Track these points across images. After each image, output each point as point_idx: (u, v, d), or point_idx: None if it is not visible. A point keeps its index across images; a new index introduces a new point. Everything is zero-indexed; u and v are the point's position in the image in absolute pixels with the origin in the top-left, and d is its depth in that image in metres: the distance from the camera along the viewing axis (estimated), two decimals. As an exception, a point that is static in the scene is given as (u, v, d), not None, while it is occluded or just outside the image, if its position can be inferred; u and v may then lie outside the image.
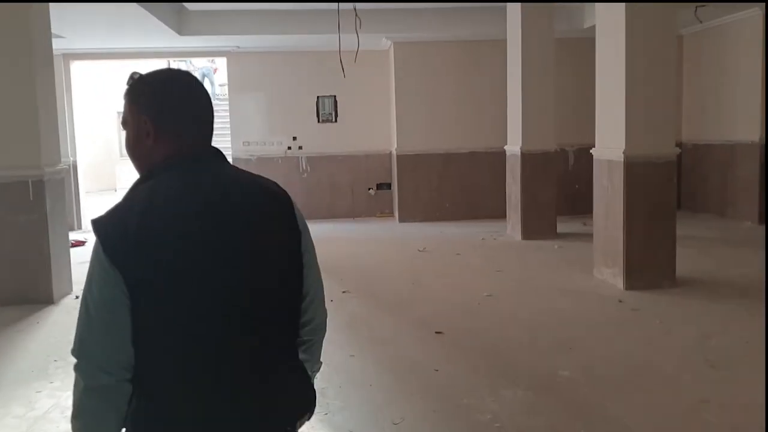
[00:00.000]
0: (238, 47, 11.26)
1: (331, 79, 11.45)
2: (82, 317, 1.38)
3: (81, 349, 1.38)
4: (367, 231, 10.39)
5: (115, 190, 16.22)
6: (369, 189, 11.86)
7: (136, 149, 1.51)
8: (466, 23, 10.23)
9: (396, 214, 11.40)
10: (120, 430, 1.42)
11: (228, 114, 12.02)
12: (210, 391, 1.41)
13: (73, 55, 10.98)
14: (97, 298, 1.35)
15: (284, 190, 1.58)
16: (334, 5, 9.30)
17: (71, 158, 10.88)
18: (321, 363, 1.74)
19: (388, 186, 11.83)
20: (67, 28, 8.96)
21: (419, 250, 8.49)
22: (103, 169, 17.57)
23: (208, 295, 1.38)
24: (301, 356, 1.62)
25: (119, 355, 1.37)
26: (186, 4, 9.55)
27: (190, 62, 20.10)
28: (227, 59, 11.61)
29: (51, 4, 6.55)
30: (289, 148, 11.83)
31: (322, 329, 1.67)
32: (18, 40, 6.05)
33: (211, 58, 17.56)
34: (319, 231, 10.43)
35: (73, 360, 1.40)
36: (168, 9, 9.13)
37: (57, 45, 8.94)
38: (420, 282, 6.83)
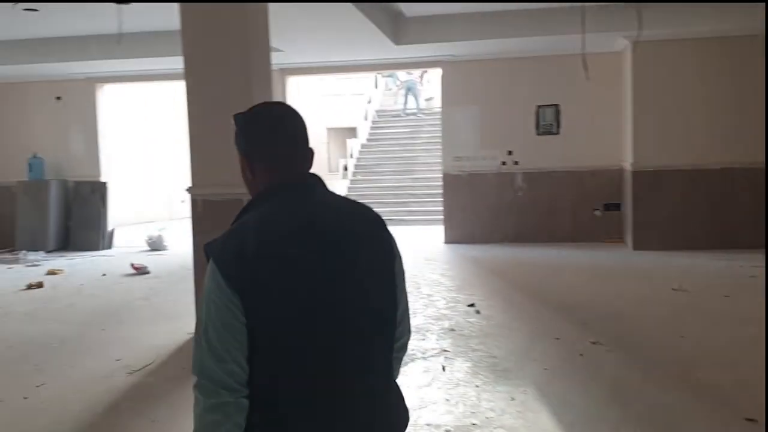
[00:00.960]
0: (454, 56, 10.48)
1: (553, 86, 10.31)
2: (201, 338, 1.45)
3: (201, 368, 1.45)
4: (596, 260, 9.06)
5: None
6: (595, 210, 10.48)
7: (245, 183, 1.66)
8: (725, 16, 8.58)
9: (629, 240, 9.91)
10: None
11: (439, 128, 11.30)
12: (323, 410, 1.49)
13: (290, 70, 10.87)
14: (215, 318, 1.44)
15: (379, 215, 1.66)
16: (562, 3, 8.21)
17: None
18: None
19: (618, 207, 10.37)
20: (286, 42, 8.72)
21: (674, 289, 7.05)
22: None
23: (318, 316, 1.47)
24: None
25: (237, 373, 1.44)
26: (404, 11, 8.93)
27: (395, 76, 19.89)
28: (442, 69, 10.87)
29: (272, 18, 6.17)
30: (504, 163, 10.82)
31: (405, 348, 1.76)
32: (237, 52, 5.68)
33: (412, 71, 17.11)
34: (537, 257, 9.31)
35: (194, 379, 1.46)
36: (385, 17, 8.57)
37: (275, 59, 8.72)
38: (690, 335, 5.47)
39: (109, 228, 11.68)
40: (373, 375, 1.57)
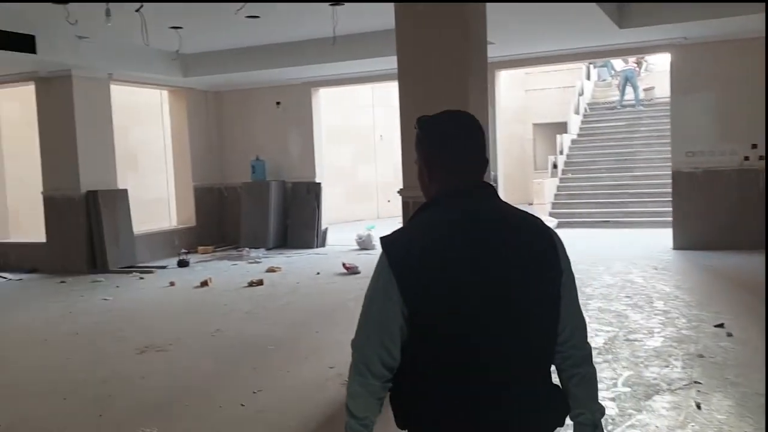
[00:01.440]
0: (685, 38, 9.31)
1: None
2: (363, 317, 1.60)
3: (357, 348, 1.61)
4: None
5: (530, 204, 15.52)
6: None
7: (420, 185, 1.74)
8: None
9: None
10: (380, 411, 1.63)
11: (661, 120, 10.12)
12: (469, 415, 1.54)
13: (499, 63, 10.37)
14: (377, 308, 1.57)
15: (548, 228, 1.67)
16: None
17: (492, 172, 10.27)
18: (603, 407, 1.73)
19: None
20: (498, 34, 8.23)
21: None
22: (517, 182, 17.10)
23: (476, 319, 1.53)
24: (574, 390, 1.68)
25: (386, 361, 1.57)
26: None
27: (610, 65, 18.54)
28: (671, 54, 9.73)
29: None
30: (746, 158, 9.42)
31: (586, 363, 1.70)
32: (454, 51, 5.32)
33: (628, 59, 15.74)
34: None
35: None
36: (610, -2, 7.75)
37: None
38: None
39: (323, 227, 12.02)
40: (520, 382, 1.59)
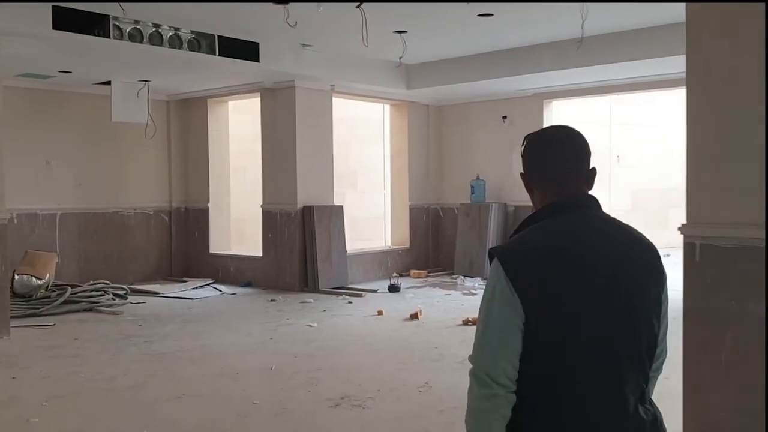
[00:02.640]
0: None
1: None
2: (480, 331, 1.61)
3: (477, 359, 1.61)
4: None
5: None
6: None
7: (530, 199, 1.78)
8: None
9: None
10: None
11: None
12: (588, 416, 1.58)
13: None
14: (496, 317, 1.57)
15: (651, 243, 1.70)
16: None
17: None
18: None
19: None
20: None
21: None
22: None
23: (592, 331, 1.56)
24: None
25: (509, 370, 1.57)
26: None
27: None
28: None
29: None
30: None
31: (661, 368, 1.77)
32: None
33: None
34: None
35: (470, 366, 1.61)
36: None
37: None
38: None
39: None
40: (634, 396, 1.61)
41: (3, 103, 9.32)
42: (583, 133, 1.76)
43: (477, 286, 10.05)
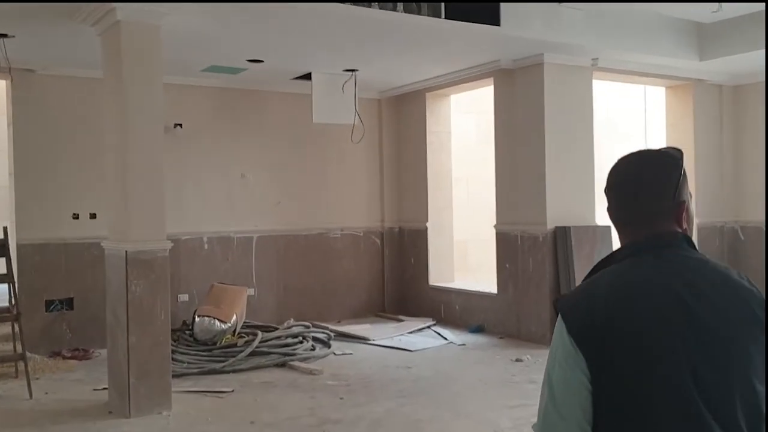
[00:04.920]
0: None
1: None
2: (545, 394, 1.42)
3: (543, 422, 1.41)
4: None
5: None
6: None
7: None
8: None
9: None
10: None
11: None
12: None
13: None
14: (560, 377, 1.39)
15: (752, 286, 1.44)
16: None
17: None
18: None
19: None
20: None
21: None
22: None
23: (669, 397, 1.34)
24: None
25: None
26: None
27: None
28: None
29: None
30: None
31: None
32: None
33: None
34: None
35: None
36: None
37: None
38: None
39: None
40: None
41: (190, 105, 7.94)
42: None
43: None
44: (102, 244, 5.52)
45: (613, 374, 1.34)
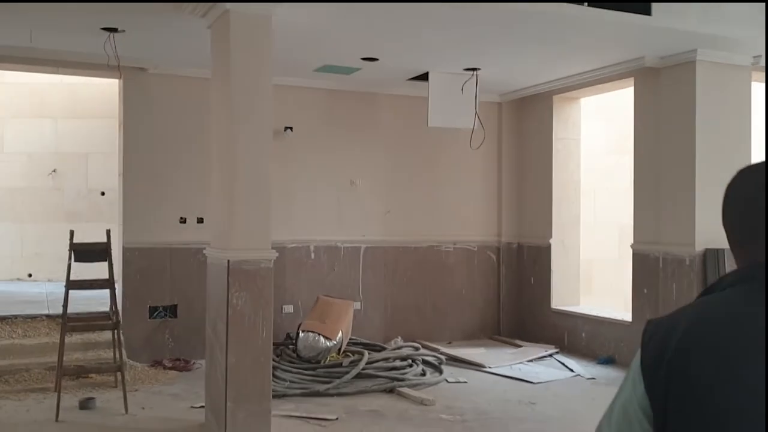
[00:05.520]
0: None
1: None
2: (606, 414, 1.30)
3: None
4: None
5: None
6: None
7: None
8: None
9: None
10: None
11: None
12: None
13: None
14: (621, 402, 1.26)
15: None
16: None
17: None
18: None
19: None
20: None
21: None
22: None
23: None
24: None
25: None
26: None
27: None
28: None
29: None
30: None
31: None
32: None
33: None
34: None
35: None
36: None
37: None
38: None
39: None
40: None
41: (301, 108, 7.56)
42: None
43: None
44: (204, 251, 5.16)
45: (676, 414, 1.16)
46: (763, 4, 5.05)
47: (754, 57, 6.19)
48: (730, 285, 1.23)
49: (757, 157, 6.46)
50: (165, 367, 6.55)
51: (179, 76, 6.88)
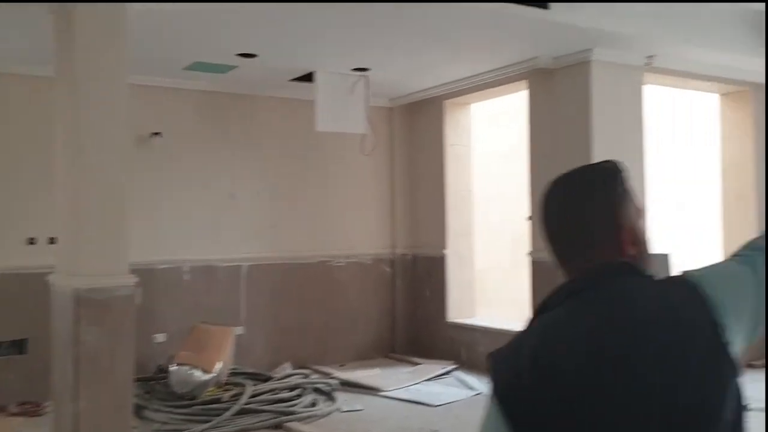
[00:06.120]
0: None
1: None
2: None
3: None
4: None
5: None
6: None
7: None
8: None
9: None
10: None
11: None
12: None
13: None
14: None
15: (694, 288, 1.19)
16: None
17: None
18: None
19: None
20: None
21: None
22: None
23: None
24: None
25: None
26: None
27: None
28: None
29: None
30: None
31: None
32: None
33: None
34: None
35: None
36: None
37: None
38: None
39: None
40: None
41: (171, 111, 6.78)
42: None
43: None
44: (47, 278, 4.33)
45: None
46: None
47: (647, 57, 6.07)
48: (561, 301, 1.22)
49: (650, 160, 6.35)
50: (11, 413, 5.59)
51: (20, 75, 5.94)
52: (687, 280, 1.22)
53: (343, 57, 5.96)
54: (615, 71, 5.99)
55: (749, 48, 6.11)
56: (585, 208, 1.27)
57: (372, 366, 7.13)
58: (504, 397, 1.18)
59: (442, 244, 7.55)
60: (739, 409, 1.16)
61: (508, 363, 1.21)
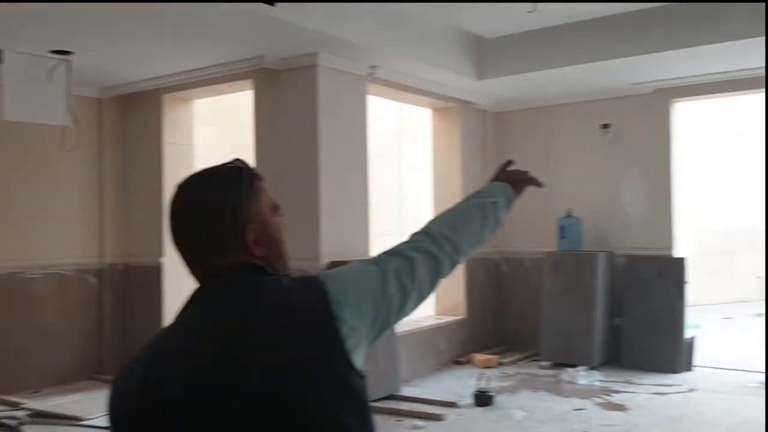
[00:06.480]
0: None
1: None
2: None
3: None
4: None
5: None
6: None
7: None
8: None
9: None
10: None
11: None
12: None
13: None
14: None
15: (317, 284, 1.21)
16: None
17: None
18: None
19: None
20: None
21: None
22: None
23: None
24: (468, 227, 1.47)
25: None
26: None
27: None
28: None
29: None
30: None
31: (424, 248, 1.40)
32: None
33: None
34: None
35: None
36: None
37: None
38: None
39: (688, 334, 7.09)
40: None
41: None
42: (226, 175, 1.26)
43: (596, 381, 6.49)
44: None
45: None
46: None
47: (371, 67, 6.16)
48: (184, 308, 1.20)
49: (373, 166, 6.47)
50: None
51: None
52: (316, 279, 1.22)
53: (38, 36, 5.11)
54: (341, 78, 5.99)
55: (461, 67, 6.56)
56: (204, 211, 1.23)
57: (73, 391, 6.26)
58: (111, 409, 1.15)
59: (158, 251, 6.91)
60: (361, 410, 1.16)
61: (119, 387, 1.16)
